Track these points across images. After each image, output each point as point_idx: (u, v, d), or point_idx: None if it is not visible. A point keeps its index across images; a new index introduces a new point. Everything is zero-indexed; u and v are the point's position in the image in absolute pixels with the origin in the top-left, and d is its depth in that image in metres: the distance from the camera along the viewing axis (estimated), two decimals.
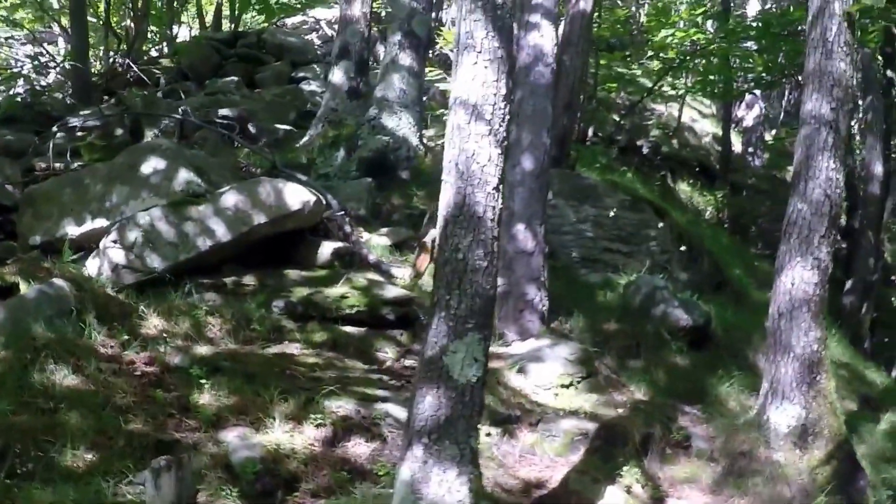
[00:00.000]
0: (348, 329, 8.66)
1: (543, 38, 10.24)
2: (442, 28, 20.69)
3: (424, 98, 15.12)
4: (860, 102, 18.74)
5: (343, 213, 10.67)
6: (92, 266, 9.00)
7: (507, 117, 5.60)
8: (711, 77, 21.38)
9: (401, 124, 13.30)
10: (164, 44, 24.08)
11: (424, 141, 13.73)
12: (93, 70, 18.36)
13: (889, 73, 18.43)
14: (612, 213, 12.29)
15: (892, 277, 22.95)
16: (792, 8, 21.68)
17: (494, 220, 5.50)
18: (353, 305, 8.76)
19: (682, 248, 12.72)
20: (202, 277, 9.00)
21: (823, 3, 8.25)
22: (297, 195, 9.44)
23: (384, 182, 12.57)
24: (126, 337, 7.53)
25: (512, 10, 5.74)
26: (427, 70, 14.79)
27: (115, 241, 8.97)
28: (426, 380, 5.47)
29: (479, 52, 5.52)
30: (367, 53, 15.02)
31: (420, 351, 5.74)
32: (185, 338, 7.87)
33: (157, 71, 19.19)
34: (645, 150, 21.72)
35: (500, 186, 5.54)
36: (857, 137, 20.83)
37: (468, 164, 5.46)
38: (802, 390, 7.85)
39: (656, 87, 22.51)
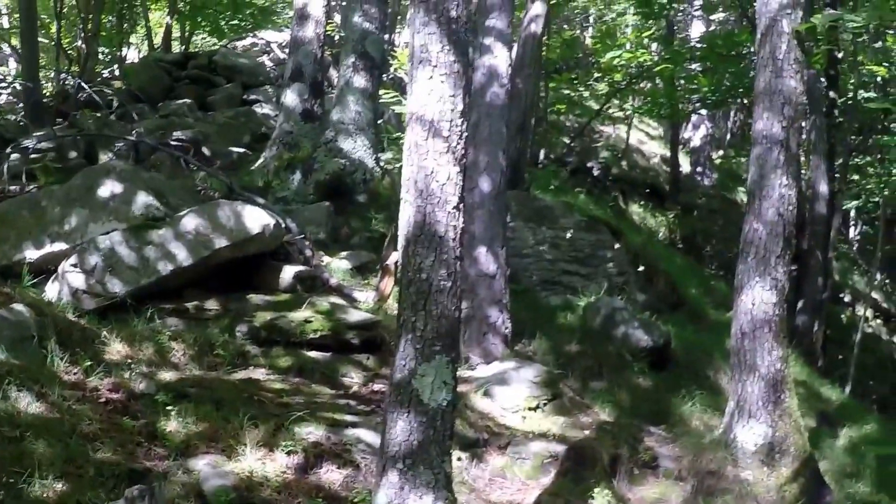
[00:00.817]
0: (313, 354, 8.61)
1: (497, 59, 10.31)
2: (395, 50, 20.72)
3: (380, 121, 15.11)
4: (804, 123, 19.03)
5: (302, 236, 10.63)
6: (51, 290, 8.87)
7: (465, 134, 5.57)
8: (658, 99, 21.65)
9: (357, 147, 13.28)
10: (115, 65, 23.84)
11: (381, 164, 13.71)
12: (44, 91, 18.08)
13: (832, 94, 18.75)
14: (569, 235, 12.38)
15: (841, 295, 23.31)
16: (736, 30, 22.12)
17: (456, 240, 5.47)
18: (317, 330, 8.71)
19: (639, 268, 12.84)
20: (164, 302, 8.90)
21: (772, 21, 8.39)
22: (257, 219, 9.37)
23: (342, 205, 12.53)
24: (89, 363, 7.39)
25: (467, 24, 5.67)
26: (381, 92, 14.77)
27: (74, 266, 8.84)
28: (397, 404, 5.46)
29: (435, 66, 5.47)
30: (320, 76, 14.97)
31: (389, 375, 5.72)
32: (149, 363, 7.76)
33: (109, 92, 18.98)
34: (596, 172, 21.94)
35: (461, 205, 5.52)
36: (802, 158, 21.15)
37: (427, 182, 5.43)
38: (768, 409, 7.96)
39: (604, 109, 22.75)
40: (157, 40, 26.50)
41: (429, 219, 5.41)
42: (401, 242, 5.56)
